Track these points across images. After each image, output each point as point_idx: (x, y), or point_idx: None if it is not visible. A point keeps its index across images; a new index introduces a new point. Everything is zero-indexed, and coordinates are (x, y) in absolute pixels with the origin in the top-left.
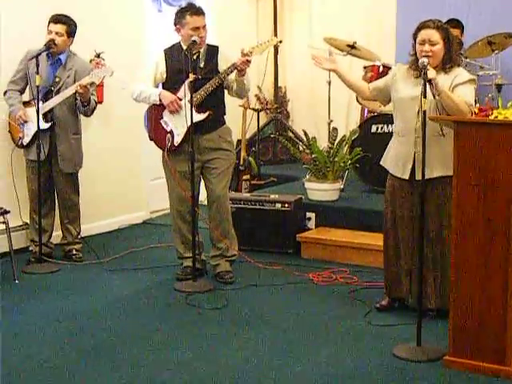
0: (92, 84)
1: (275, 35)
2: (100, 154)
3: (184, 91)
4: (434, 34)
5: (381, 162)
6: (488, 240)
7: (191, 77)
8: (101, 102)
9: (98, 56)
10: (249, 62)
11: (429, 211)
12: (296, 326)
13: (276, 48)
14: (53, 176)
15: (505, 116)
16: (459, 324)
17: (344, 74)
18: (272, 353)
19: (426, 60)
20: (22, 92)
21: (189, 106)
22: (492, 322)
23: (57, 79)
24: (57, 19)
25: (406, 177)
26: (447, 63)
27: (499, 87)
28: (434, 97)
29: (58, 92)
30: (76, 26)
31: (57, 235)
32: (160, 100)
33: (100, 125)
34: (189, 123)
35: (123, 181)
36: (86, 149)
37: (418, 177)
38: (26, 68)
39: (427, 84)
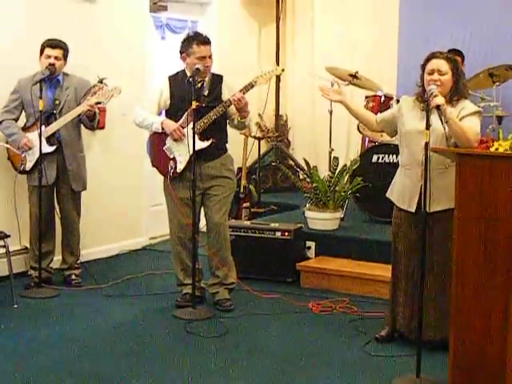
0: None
1: (277, 64)
2: (101, 179)
3: (187, 119)
4: (444, 65)
5: (387, 195)
6: (489, 275)
7: (194, 104)
8: (103, 128)
9: (100, 82)
10: (240, 101)
11: (434, 244)
12: (295, 355)
13: (278, 76)
14: (59, 200)
15: (505, 148)
16: (459, 361)
17: (351, 106)
18: (270, 383)
19: (434, 87)
20: (16, 121)
21: (191, 133)
22: (492, 359)
23: (56, 102)
24: (54, 44)
25: (412, 210)
26: (454, 95)
27: (500, 119)
28: (443, 123)
29: (60, 114)
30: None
31: (56, 260)
32: (162, 128)
33: (101, 150)
34: (191, 151)
35: (123, 206)
36: (87, 173)
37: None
38: (21, 97)
39: (435, 110)
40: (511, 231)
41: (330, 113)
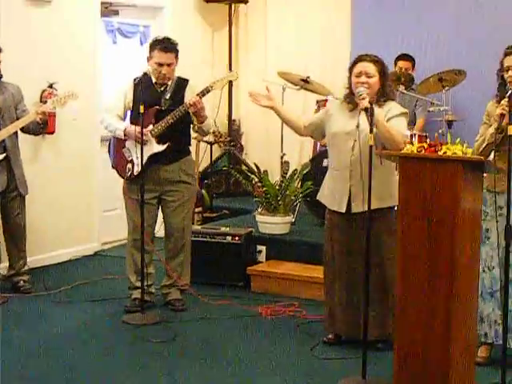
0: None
1: (230, 68)
2: (51, 184)
3: (143, 122)
4: (371, 67)
5: (317, 197)
6: (432, 274)
7: (141, 108)
8: (52, 132)
9: (50, 86)
10: (196, 105)
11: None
12: (243, 359)
13: (230, 81)
14: (4, 205)
15: (453, 152)
16: (403, 361)
17: (281, 111)
18: None
19: (362, 89)
20: None
21: (149, 136)
22: (435, 357)
23: None
24: None
25: (343, 210)
26: (382, 97)
27: (450, 123)
28: (371, 125)
29: (3, 121)
30: None
31: (4, 267)
32: (125, 135)
33: (51, 155)
34: (149, 153)
35: (75, 212)
36: (36, 178)
37: (354, 210)
38: None
39: (363, 113)
40: (453, 232)
41: None
